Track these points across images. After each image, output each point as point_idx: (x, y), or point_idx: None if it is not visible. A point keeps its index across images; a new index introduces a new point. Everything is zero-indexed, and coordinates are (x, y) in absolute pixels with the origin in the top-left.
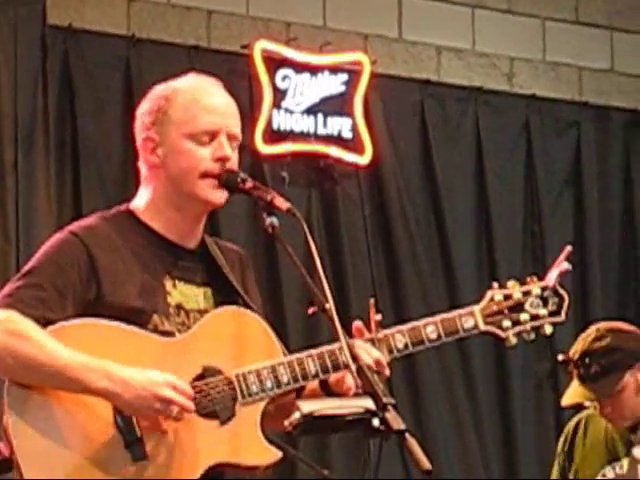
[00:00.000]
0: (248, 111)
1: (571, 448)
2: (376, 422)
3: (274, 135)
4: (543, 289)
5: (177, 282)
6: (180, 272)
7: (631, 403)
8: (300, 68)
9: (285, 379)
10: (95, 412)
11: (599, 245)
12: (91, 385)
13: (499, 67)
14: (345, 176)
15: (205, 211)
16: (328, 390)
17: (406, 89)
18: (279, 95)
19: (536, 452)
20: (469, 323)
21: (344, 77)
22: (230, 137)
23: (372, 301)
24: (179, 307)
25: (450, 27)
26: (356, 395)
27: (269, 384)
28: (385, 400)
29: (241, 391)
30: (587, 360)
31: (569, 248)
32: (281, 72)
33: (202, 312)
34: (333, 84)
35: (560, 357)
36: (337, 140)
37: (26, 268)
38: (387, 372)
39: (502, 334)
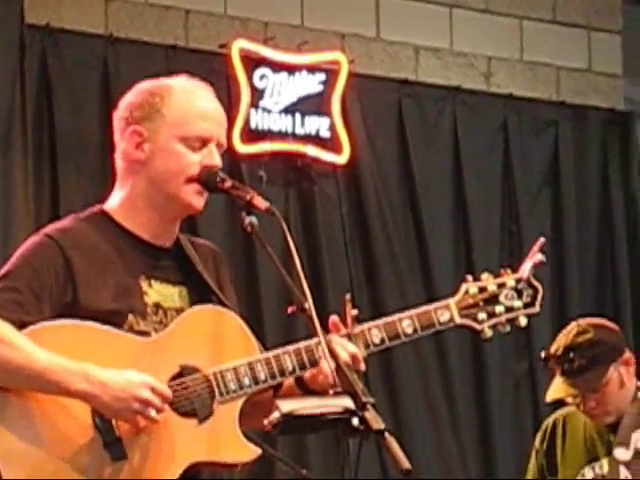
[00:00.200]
0: (226, 110)
1: (549, 447)
2: (356, 421)
3: (252, 134)
4: (517, 281)
5: (153, 281)
6: (155, 271)
7: (615, 398)
8: (278, 67)
9: (262, 376)
10: (73, 413)
11: (576, 244)
12: (70, 387)
13: (477, 67)
14: (323, 175)
15: (183, 215)
16: (303, 386)
17: (384, 88)
18: (257, 94)
19: (514, 450)
20: (445, 316)
21: (322, 76)
22: (218, 145)
23: (348, 296)
24: (157, 306)
25: (428, 26)
26: (335, 394)
27: (247, 381)
28: (364, 399)
29: (219, 389)
30: (571, 354)
31: (542, 240)
32: (259, 71)
33: (179, 311)
34: (311, 83)
35: (542, 354)
36: (315, 139)
37: (2, 272)
38: (363, 367)
39: (478, 327)
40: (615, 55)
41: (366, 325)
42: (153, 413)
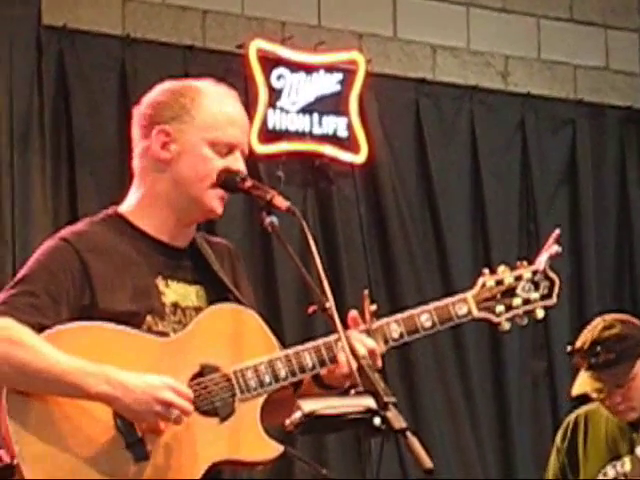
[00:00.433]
0: None
1: (571, 445)
2: (377, 421)
3: (269, 134)
4: (534, 273)
5: (169, 281)
6: (171, 271)
7: None
8: (295, 67)
9: (283, 373)
10: (95, 415)
11: (595, 243)
12: (90, 390)
13: (494, 65)
14: (340, 175)
15: (202, 219)
16: (320, 382)
17: (401, 88)
18: (274, 94)
19: (532, 448)
20: (463, 310)
21: (339, 76)
22: (242, 152)
23: (366, 292)
24: (175, 306)
25: (445, 26)
26: (357, 394)
27: (267, 379)
28: (386, 399)
29: (239, 387)
30: (598, 348)
31: (557, 231)
32: (276, 71)
33: (197, 310)
34: (328, 83)
35: (568, 348)
36: (332, 139)
37: (19, 276)
38: (379, 363)
39: (495, 319)
40: (632, 53)
41: (385, 320)
42: (175, 415)
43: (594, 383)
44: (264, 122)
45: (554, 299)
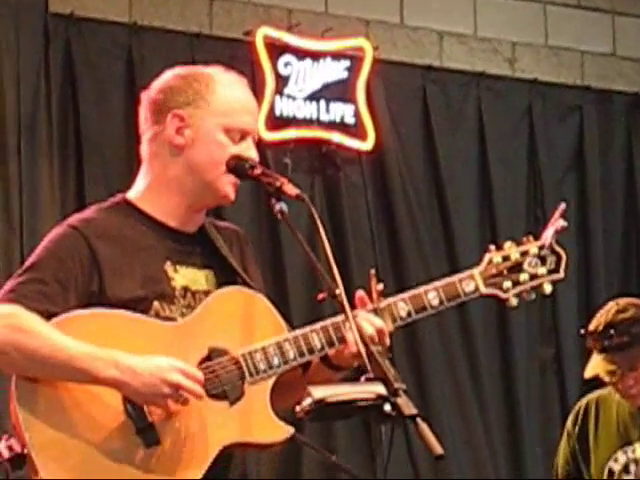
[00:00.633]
0: None
1: (582, 430)
2: (388, 407)
3: (277, 122)
4: (540, 248)
5: (178, 266)
6: (180, 256)
7: None
8: (302, 54)
9: (291, 355)
10: (104, 401)
11: (602, 229)
12: (99, 375)
13: (501, 52)
14: (348, 162)
15: (214, 204)
16: (329, 362)
17: (408, 75)
18: (281, 81)
19: (541, 434)
20: (470, 287)
21: (346, 63)
22: (253, 139)
23: (373, 271)
24: (185, 289)
25: (452, 12)
26: (367, 380)
27: (276, 361)
28: (396, 385)
29: (248, 370)
30: (611, 331)
31: (563, 205)
32: (283, 58)
33: (207, 293)
34: (335, 70)
35: (581, 331)
36: (339, 126)
37: (27, 263)
38: (388, 342)
39: (503, 295)
40: (639, 39)
41: (392, 299)
42: (185, 396)
43: (607, 365)
44: (271, 109)
45: (561, 274)
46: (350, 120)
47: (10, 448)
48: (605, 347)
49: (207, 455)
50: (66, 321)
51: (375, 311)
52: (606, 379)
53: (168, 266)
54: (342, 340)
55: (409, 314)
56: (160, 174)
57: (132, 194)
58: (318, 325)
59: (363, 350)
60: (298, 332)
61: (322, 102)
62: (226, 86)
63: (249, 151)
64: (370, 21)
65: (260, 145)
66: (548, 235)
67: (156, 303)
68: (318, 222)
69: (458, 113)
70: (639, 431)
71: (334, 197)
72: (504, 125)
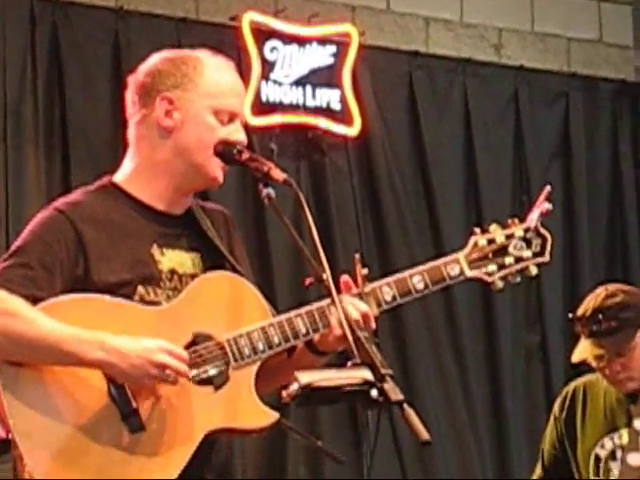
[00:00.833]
0: None
1: (569, 415)
2: (374, 393)
3: (263, 107)
4: (525, 231)
5: (165, 249)
6: (167, 239)
7: None
8: (288, 40)
9: (276, 340)
10: (89, 385)
11: (587, 215)
12: (86, 357)
13: (487, 38)
14: (334, 147)
15: (203, 187)
16: (313, 348)
17: (394, 60)
18: (267, 67)
19: (525, 421)
20: (455, 270)
21: (332, 49)
22: (241, 122)
23: (357, 256)
24: (172, 272)
25: None
26: (354, 366)
27: (261, 346)
28: (383, 371)
29: (233, 355)
30: (600, 316)
31: (548, 188)
32: (269, 44)
33: (194, 277)
34: (321, 56)
35: (570, 315)
36: (326, 112)
37: (13, 248)
38: (373, 325)
39: (488, 279)
40: (626, 26)
41: (377, 283)
42: (172, 377)
43: (595, 350)
44: (257, 94)
45: (547, 256)
46: (336, 106)
47: None
48: (593, 332)
49: (191, 441)
50: (50, 307)
51: (360, 295)
52: (593, 364)
53: (155, 249)
54: (327, 325)
55: (394, 298)
56: (148, 157)
57: (119, 177)
58: (303, 310)
59: (350, 336)
60: (283, 317)
61: (308, 87)
62: (214, 69)
63: (238, 133)
64: (356, 7)
65: (246, 130)
66: (533, 218)
67: (140, 287)
68: (305, 207)
69: (444, 99)
70: (626, 417)
71: (320, 182)
72: (490, 111)
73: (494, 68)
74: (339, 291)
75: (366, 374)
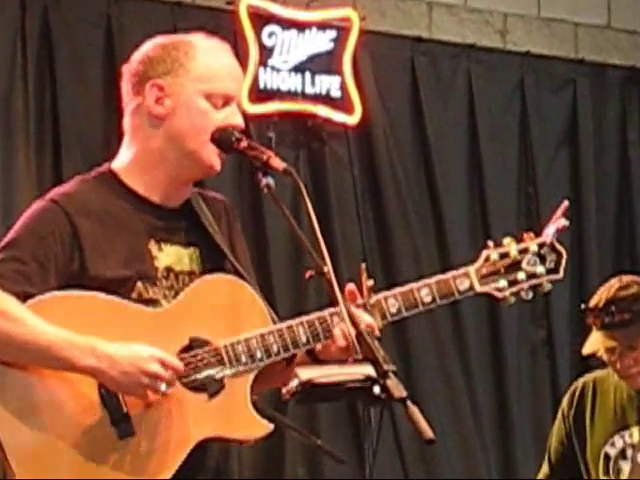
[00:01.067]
0: None
1: (578, 411)
2: (377, 390)
3: (260, 94)
4: (540, 246)
5: (162, 244)
6: (164, 234)
7: None
8: (287, 25)
9: (275, 348)
10: (79, 389)
11: (595, 206)
12: (77, 363)
13: (492, 23)
14: (333, 136)
15: (199, 176)
16: (315, 357)
17: (396, 46)
18: (265, 53)
19: (531, 418)
20: (464, 285)
21: (332, 34)
22: (238, 106)
23: (363, 266)
24: (168, 270)
25: None
26: (356, 362)
27: (259, 354)
28: (386, 367)
29: (230, 362)
30: (612, 308)
31: (566, 203)
32: (267, 29)
33: (191, 274)
34: (321, 41)
35: (582, 306)
36: (325, 99)
37: (5, 240)
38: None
39: (499, 295)
40: (635, 11)
41: (382, 294)
42: (163, 387)
43: (607, 342)
44: (255, 81)
45: (561, 274)
46: (336, 93)
47: None
48: (606, 324)
49: (182, 449)
50: (41, 303)
51: (365, 306)
52: (605, 357)
53: (152, 244)
54: (328, 334)
55: (399, 311)
56: (142, 147)
57: (117, 165)
58: (304, 318)
59: (352, 330)
60: (283, 325)
61: (307, 74)
62: (206, 52)
63: (234, 117)
64: None
65: (243, 118)
66: (549, 233)
67: (139, 284)
68: (306, 198)
69: (448, 86)
70: (637, 414)
71: (319, 172)
72: (495, 99)
73: (499, 54)
74: (340, 286)
75: (368, 370)
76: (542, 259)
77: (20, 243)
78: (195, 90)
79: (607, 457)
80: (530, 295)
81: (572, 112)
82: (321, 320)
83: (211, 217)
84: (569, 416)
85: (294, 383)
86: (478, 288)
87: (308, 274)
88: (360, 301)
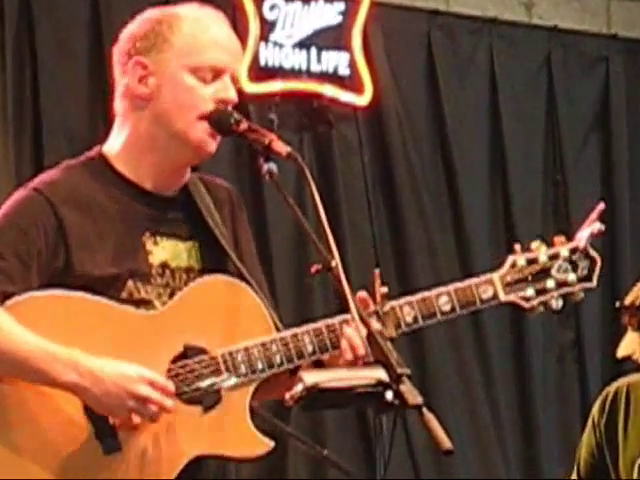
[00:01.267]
0: None
1: (609, 419)
2: (389, 395)
3: (261, 72)
4: (572, 251)
5: (158, 238)
6: (160, 226)
7: None
8: None
9: (278, 359)
10: (62, 396)
11: (629, 196)
12: (57, 379)
13: None
14: (342, 118)
15: (191, 159)
16: (320, 366)
17: (411, 20)
18: (267, 27)
19: (558, 429)
20: (488, 293)
21: (340, 6)
22: (233, 79)
23: (377, 272)
24: (163, 266)
25: None
26: (366, 364)
27: (260, 365)
28: (400, 370)
29: (228, 372)
30: None
31: (602, 205)
32: (269, 1)
33: (188, 270)
34: (328, 14)
35: (617, 304)
36: (332, 78)
37: None
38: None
39: (525, 305)
40: None
41: (397, 302)
42: (152, 411)
43: None
44: (255, 58)
45: (594, 282)
46: (344, 71)
47: None
48: None
49: (173, 467)
50: (21, 304)
51: (377, 314)
52: (638, 358)
53: (147, 237)
54: (336, 345)
55: (415, 320)
56: (132, 132)
57: (108, 149)
58: (311, 326)
59: (363, 330)
60: (287, 333)
61: (313, 50)
62: (192, 22)
63: (225, 91)
64: None
65: (242, 98)
66: (583, 237)
67: (130, 282)
68: (312, 185)
69: (467, 64)
70: None
71: (325, 158)
72: (519, 78)
73: (524, 29)
74: (349, 282)
75: (380, 374)
76: (574, 266)
77: (0, 237)
78: (180, 65)
79: None
80: (560, 304)
81: (604, 93)
82: (330, 328)
83: (212, 206)
84: (600, 425)
85: (298, 388)
86: (503, 297)
87: (314, 268)
88: (372, 308)
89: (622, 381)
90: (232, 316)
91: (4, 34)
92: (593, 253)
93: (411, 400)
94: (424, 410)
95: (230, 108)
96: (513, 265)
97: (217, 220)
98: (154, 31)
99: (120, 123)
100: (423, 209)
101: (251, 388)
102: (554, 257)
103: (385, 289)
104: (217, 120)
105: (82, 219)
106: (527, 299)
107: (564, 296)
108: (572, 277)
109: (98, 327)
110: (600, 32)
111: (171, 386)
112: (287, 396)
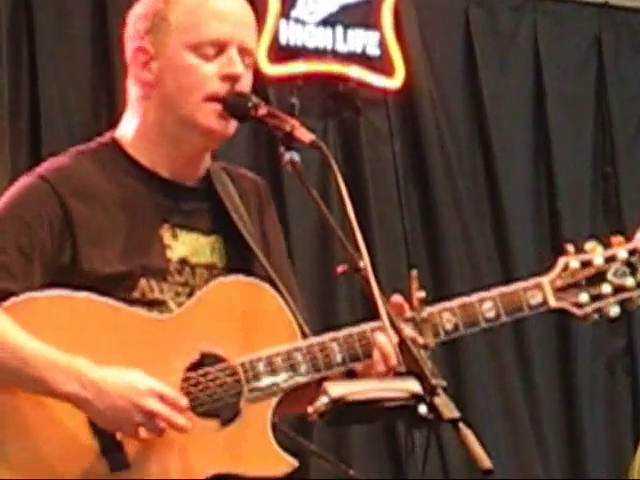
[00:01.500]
0: None
1: None
2: (423, 409)
3: (282, 52)
4: (631, 253)
5: (178, 231)
6: (181, 218)
7: None
8: None
9: (303, 369)
10: (66, 408)
11: None
12: (58, 389)
13: None
14: (370, 103)
15: (205, 144)
16: (351, 376)
17: None
18: (288, 2)
19: (608, 449)
20: (536, 299)
21: None
22: (243, 51)
23: (414, 274)
24: (183, 262)
25: None
26: (397, 375)
27: (283, 375)
28: (434, 382)
29: (248, 384)
30: None
31: None
32: None
33: (210, 267)
34: None
35: None
36: (360, 58)
37: None
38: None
39: (578, 312)
40: None
41: (436, 307)
42: (161, 427)
43: None
44: (275, 37)
45: None
46: (373, 51)
47: None
48: None
49: None
50: (22, 305)
51: (414, 321)
52: None
53: (165, 230)
54: (368, 354)
55: (456, 328)
56: (142, 121)
57: (121, 133)
58: (341, 333)
59: (394, 337)
60: (314, 340)
61: (339, 28)
62: None
63: (230, 66)
64: None
65: (261, 81)
66: None
67: (143, 281)
68: (338, 177)
69: (509, 44)
70: None
71: (352, 147)
72: (566, 59)
73: (571, 5)
74: (379, 284)
75: (413, 385)
76: (632, 269)
77: (1, 229)
78: (179, 44)
79: None
80: (617, 312)
81: None
82: (360, 336)
83: (237, 198)
84: None
85: (322, 400)
86: (553, 303)
87: (340, 269)
88: (409, 314)
89: None
90: (253, 321)
91: None
92: None
93: (447, 414)
94: (461, 425)
95: (247, 90)
96: (565, 268)
97: (242, 213)
98: (153, 10)
99: (130, 112)
100: (460, 203)
101: (274, 401)
102: (611, 259)
103: (422, 293)
104: (232, 104)
105: (92, 211)
106: (580, 306)
107: (621, 302)
108: (630, 281)
109: (105, 332)
110: None
111: (184, 401)
112: (310, 409)
